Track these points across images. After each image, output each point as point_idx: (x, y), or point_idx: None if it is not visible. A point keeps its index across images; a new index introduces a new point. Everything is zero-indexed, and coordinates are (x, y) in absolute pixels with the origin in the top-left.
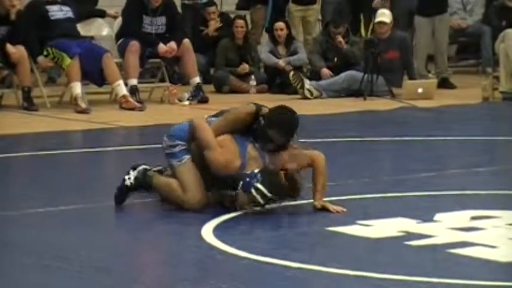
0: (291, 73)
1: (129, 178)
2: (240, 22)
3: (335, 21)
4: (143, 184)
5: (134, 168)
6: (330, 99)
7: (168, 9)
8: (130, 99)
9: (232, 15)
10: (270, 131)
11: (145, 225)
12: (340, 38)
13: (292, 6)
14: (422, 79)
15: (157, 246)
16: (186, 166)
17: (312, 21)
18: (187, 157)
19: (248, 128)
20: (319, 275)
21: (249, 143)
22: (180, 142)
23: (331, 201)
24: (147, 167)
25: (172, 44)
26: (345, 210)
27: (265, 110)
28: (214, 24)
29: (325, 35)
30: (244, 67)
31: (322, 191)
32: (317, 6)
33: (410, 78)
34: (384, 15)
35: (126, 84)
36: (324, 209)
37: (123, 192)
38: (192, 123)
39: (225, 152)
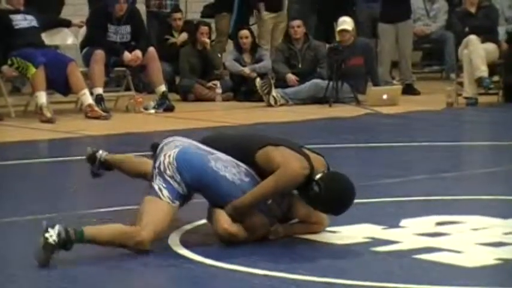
0: (258, 79)
1: (51, 236)
2: (205, 28)
3: (293, 17)
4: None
5: (53, 226)
6: (296, 106)
7: (133, 17)
8: (96, 108)
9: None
10: (328, 203)
11: None
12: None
13: (265, 14)
14: (387, 85)
15: (123, 254)
16: (172, 210)
17: (281, 28)
18: (178, 203)
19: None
20: (285, 282)
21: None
22: (184, 186)
23: None
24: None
25: (137, 53)
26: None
27: (317, 172)
28: (182, 36)
29: (286, 42)
30: (210, 85)
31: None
32: (285, 12)
33: (375, 84)
34: (345, 23)
35: (91, 93)
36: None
37: (48, 252)
38: (233, 207)
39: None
